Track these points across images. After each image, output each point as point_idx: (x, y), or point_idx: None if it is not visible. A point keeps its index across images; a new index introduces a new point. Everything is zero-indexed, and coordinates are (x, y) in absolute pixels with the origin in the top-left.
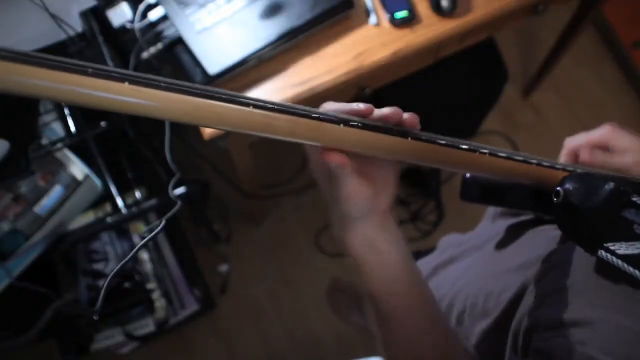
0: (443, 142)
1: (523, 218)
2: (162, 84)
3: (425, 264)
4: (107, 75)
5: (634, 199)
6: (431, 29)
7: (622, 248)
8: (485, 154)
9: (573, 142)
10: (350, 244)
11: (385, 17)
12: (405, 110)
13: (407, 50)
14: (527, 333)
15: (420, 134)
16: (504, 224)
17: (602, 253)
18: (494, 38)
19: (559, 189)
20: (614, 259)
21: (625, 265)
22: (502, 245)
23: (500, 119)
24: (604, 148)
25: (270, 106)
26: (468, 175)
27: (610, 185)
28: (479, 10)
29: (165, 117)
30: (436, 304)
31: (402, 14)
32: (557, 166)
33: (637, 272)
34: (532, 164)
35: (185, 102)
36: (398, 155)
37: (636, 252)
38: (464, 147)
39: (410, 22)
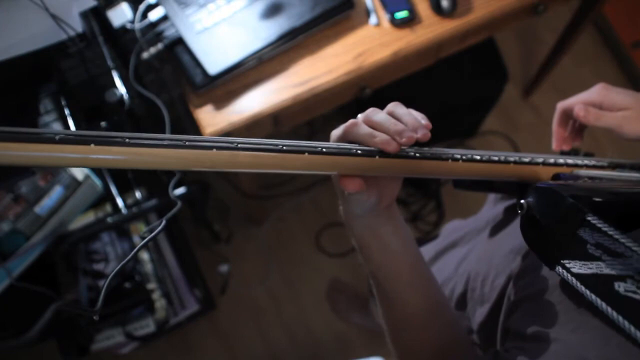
0: (412, 153)
1: None
2: (127, 140)
3: (427, 250)
4: (74, 139)
5: (588, 218)
6: (431, 29)
7: (577, 266)
8: (458, 159)
9: (566, 102)
10: (353, 228)
11: (385, 17)
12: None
13: (407, 50)
14: (502, 333)
15: (388, 151)
16: (502, 206)
17: (559, 269)
18: (494, 38)
19: (522, 201)
20: (569, 276)
21: (578, 284)
22: (499, 227)
23: (500, 119)
24: (597, 106)
25: (232, 145)
26: None
27: (568, 202)
28: (479, 10)
29: (135, 167)
30: (440, 290)
31: (402, 14)
32: (538, 160)
33: (587, 291)
34: (509, 162)
35: (150, 154)
36: (370, 173)
37: (588, 271)
38: (437, 155)
39: (410, 22)
